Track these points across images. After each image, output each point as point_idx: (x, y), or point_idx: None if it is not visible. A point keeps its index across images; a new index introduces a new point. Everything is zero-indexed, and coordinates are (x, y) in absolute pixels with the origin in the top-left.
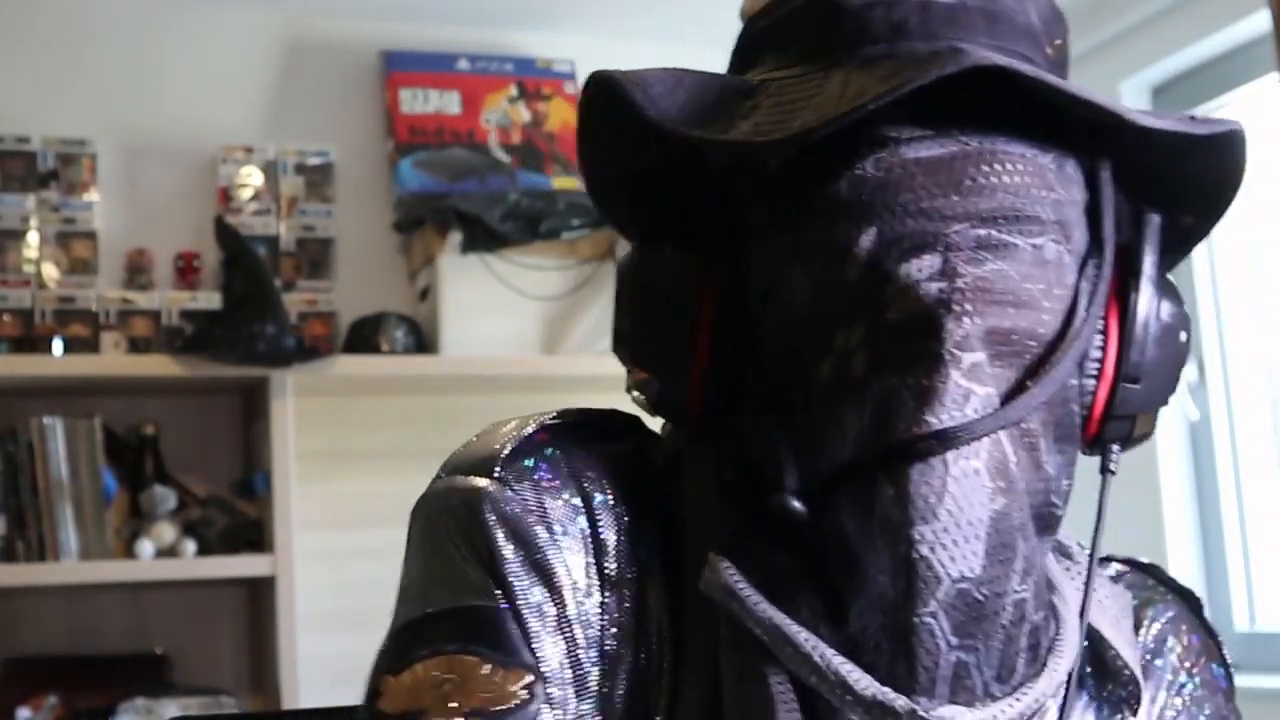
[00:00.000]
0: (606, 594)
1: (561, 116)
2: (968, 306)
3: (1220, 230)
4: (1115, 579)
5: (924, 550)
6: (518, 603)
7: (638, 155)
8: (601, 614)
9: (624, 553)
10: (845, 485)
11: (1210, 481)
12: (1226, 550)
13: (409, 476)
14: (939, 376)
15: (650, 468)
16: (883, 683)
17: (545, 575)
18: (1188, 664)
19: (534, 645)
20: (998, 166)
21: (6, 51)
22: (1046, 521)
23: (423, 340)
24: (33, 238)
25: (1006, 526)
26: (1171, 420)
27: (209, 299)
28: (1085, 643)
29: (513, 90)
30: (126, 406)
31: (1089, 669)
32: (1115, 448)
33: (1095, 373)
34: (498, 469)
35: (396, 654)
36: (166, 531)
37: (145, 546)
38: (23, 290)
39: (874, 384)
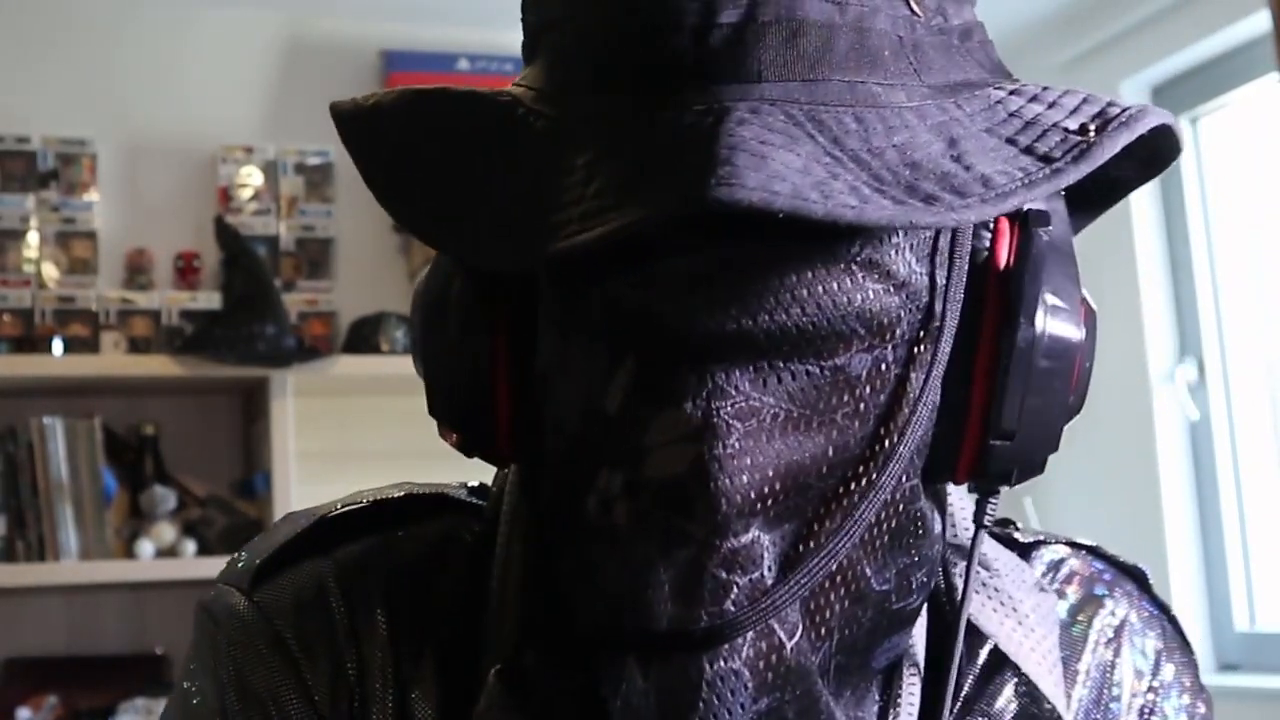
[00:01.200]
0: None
1: None
2: (733, 480)
3: (1220, 229)
4: (1055, 567)
5: None
6: None
7: None
8: None
9: (391, 672)
10: (598, 654)
11: (1210, 481)
12: (1226, 550)
13: (409, 477)
14: (693, 568)
15: (459, 552)
16: None
17: (280, 709)
18: (1146, 677)
19: None
20: (778, 280)
21: (7, 51)
22: (896, 623)
23: None
24: (33, 238)
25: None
26: (1171, 420)
27: (209, 299)
28: (1015, 679)
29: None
30: (126, 406)
31: (1017, 707)
32: (992, 500)
33: (958, 423)
34: (253, 580)
35: None
36: (166, 531)
37: (145, 546)
38: (23, 290)
39: (635, 545)
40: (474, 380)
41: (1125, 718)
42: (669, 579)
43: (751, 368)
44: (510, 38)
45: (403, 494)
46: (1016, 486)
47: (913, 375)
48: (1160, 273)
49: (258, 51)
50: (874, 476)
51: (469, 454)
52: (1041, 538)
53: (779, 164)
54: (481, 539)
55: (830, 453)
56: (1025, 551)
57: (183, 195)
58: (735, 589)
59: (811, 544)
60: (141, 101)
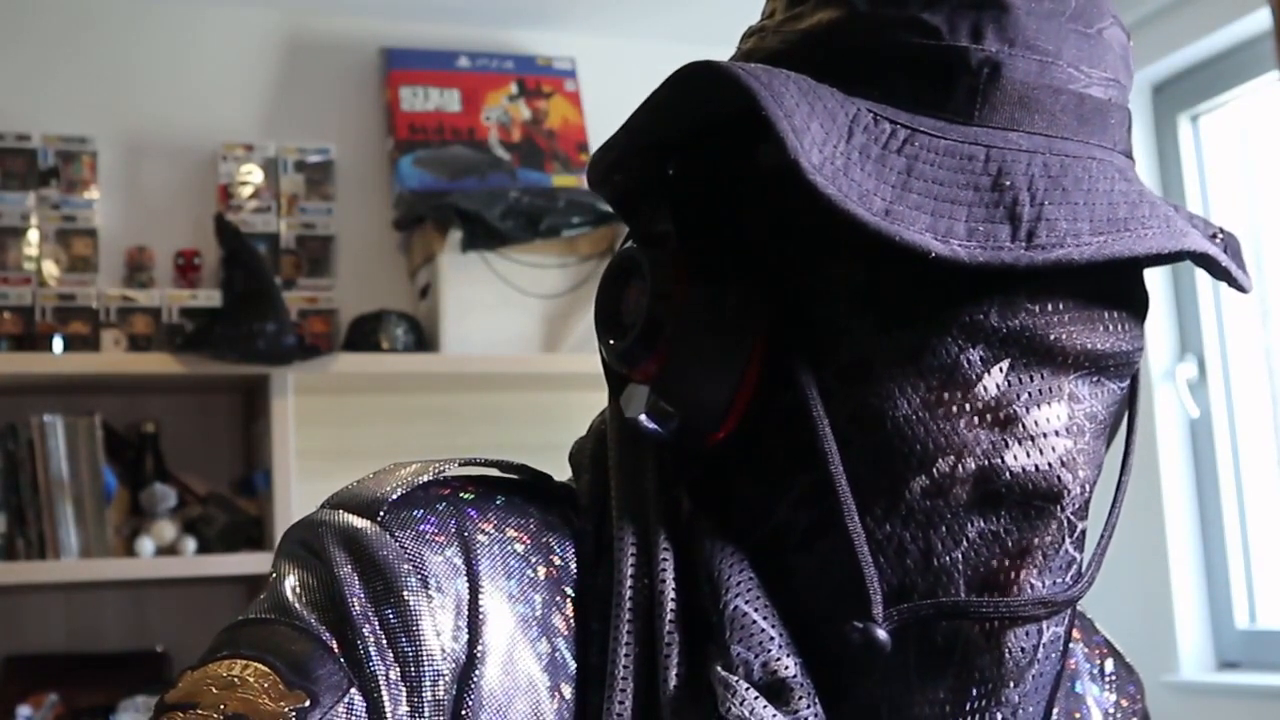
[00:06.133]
0: (480, 665)
1: (562, 114)
2: (1084, 472)
3: (1220, 227)
4: None
5: (1006, 714)
6: (353, 653)
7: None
8: (469, 686)
9: (515, 626)
10: (926, 620)
11: (1210, 479)
12: (1227, 547)
13: None
14: (1053, 543)
15: (572, 533)
16: None
17: (404, 633)
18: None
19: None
20: (1122, 310)
21: (7, 49)
22: None
23: (423, 338)
24: (33, 235)
25: (1066, 676)
26: (1172, 417)
27: (209, 297)
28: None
29: (513, 88)
30: (127, 404)
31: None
32: None
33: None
34: (381, 513)
35: (205, 653)
36: (167, 529)
37: (145, 544)
38: (23, 288)
39: (974, 522)
40: (724, 381)
41: (1105, 692)
42: (1022, 549)
43: (1091, 380)
44: (511, 35)
45: (524, 473)
46: None
47: (1130, 409)
48: (1160, 270)
49: (258, 49)
50: (1123, 490)
51: (671, 438)
52: None
53: (1181, 221)
54: (591, 530)
55: (1102, 460)
56: None
57: (183, 193)
58: (1074, 564)
59: (1099, 536)
60: (142, 99)
